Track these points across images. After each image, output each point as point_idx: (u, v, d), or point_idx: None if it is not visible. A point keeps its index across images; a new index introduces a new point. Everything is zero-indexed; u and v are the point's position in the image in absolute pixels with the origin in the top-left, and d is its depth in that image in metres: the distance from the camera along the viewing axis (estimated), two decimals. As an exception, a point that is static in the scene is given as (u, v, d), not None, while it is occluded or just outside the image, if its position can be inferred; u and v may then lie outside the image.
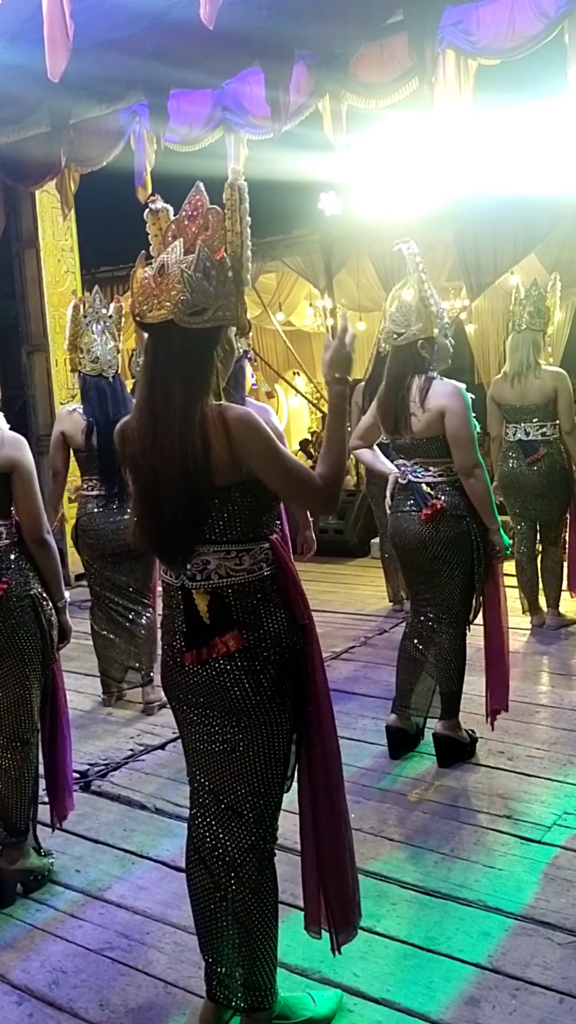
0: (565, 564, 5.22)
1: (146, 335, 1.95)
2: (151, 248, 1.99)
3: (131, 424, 1.98)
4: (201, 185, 1.93)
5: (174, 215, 1.97)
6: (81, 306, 4.33)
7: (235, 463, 1.88)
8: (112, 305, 4.45)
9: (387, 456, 3.71)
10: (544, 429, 5.02)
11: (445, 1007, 2.18)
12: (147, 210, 1.99)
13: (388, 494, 3.61)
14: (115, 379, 4.33)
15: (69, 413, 4.29)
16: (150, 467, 1.92)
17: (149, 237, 2.00)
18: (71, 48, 4.01)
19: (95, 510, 4.31)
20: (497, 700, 3.58)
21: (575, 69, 4.30)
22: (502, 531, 3.43)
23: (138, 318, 1.92)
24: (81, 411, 4.26)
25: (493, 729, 3.63)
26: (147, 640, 4.35)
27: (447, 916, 2.53)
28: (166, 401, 1.88)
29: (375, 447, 3.74)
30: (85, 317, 4.30)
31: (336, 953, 2.17)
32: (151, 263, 1.93)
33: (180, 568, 1.97)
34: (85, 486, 4.37)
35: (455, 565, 3.40)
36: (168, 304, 1.85)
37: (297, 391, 12.19)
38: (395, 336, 3.40)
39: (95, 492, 4.33)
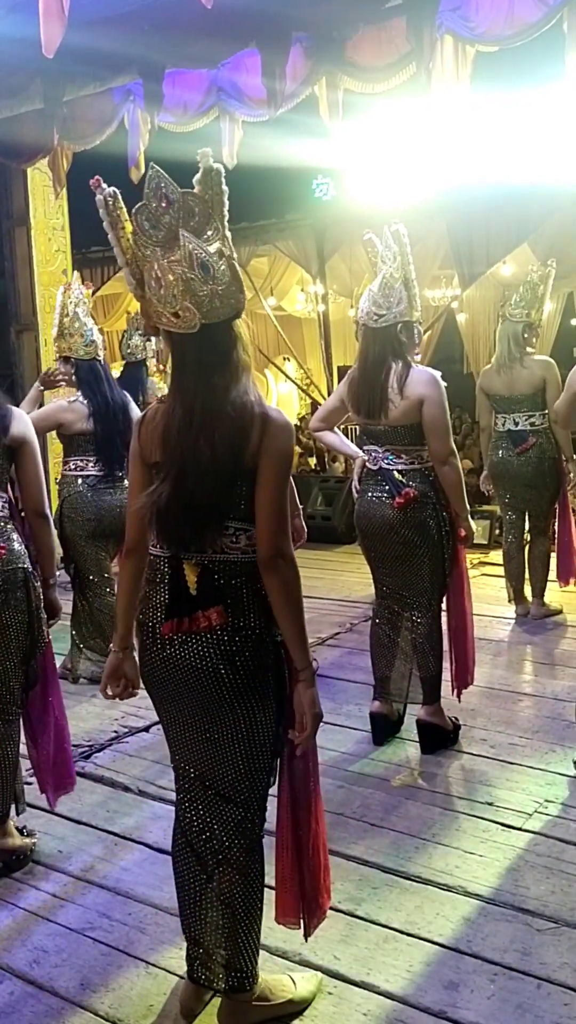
0: (553, 554, 5.26)
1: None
2: (119, 238, 1.91)
3: (160, 413, 1.97)
4: (157, 167, 1.85)
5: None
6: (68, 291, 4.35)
7: (255, 455, 1.89)
8: (84, 288, 4.45)
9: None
10: (533, 419, 5.03)
11: (424, 991, 2.20)
12: (100, 197, 1.88)
13: (355, 478, 3.62)
14: (104, 363, 4.41)
15: (70, 403, 4.30)
16: (186, 457, 1.89)
17: (113, 223, 1.90)
18: (67, 22, 3.95)
19: (82, 489, 4.34)
20: (460, 678, 3.64)
21: (573, 57, 4.27)
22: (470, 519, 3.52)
23: (156, 326, 1.91)
24: (81, 399, 4.28)
25: (460, 701, 3.66)
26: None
27: (427, 901, 2.55)
28: (207, 393, 1.88)
29: (336, 429, 3.75)
30: (72, 302, 4.30)
31: (307, 938, 2.19)
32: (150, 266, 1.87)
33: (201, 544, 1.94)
34: (72, 466, 4.37)
35: (424, 550, 3.43)
36: (184, 314, 1.84)
37: (287, 377, 12.16)
38: (376, 317, 3.36)
39: (84, 472, 4.35)
